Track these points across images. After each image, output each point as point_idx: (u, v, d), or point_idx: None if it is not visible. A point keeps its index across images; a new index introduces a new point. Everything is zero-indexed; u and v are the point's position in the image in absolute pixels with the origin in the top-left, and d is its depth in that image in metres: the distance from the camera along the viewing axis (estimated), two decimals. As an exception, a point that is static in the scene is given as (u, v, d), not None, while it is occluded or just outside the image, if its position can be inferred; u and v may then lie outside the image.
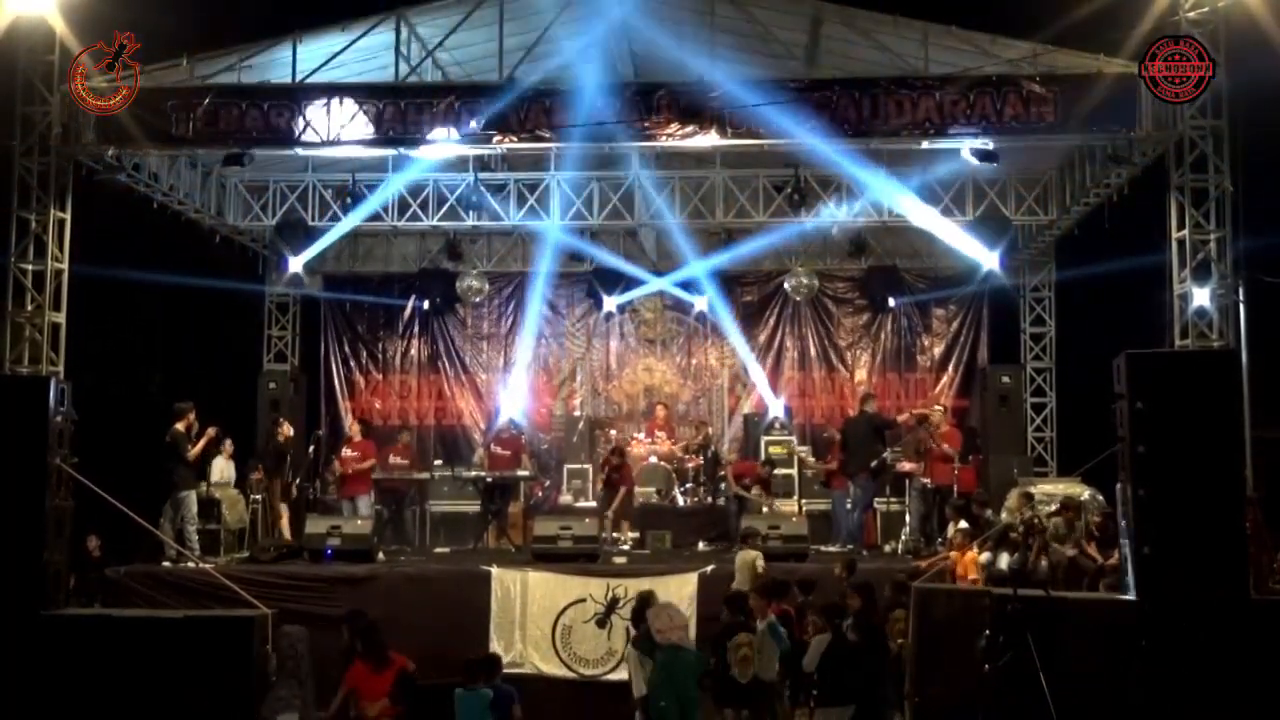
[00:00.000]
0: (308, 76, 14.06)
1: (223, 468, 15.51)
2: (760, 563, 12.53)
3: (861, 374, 19.38)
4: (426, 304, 19.01)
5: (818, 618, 10.69)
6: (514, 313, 19.65)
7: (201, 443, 13.93)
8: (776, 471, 17.00)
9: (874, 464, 15.38)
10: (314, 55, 14.20)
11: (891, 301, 18.88)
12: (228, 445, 15.86)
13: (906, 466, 15.54)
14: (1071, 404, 18.47)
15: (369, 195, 16.53)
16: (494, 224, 17.69)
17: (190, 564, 13.26)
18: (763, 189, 17.01)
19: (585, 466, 17.92)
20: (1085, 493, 14.48)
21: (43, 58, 13.80)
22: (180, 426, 13.95)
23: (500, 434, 16.80)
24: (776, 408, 18.45)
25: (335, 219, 17.21)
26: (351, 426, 16.27)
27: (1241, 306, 13.38)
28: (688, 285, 18.73)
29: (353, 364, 19.61)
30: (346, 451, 15.70)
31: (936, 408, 16.46)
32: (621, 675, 11.72)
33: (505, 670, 12.58)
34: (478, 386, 19.56)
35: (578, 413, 19.25)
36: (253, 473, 15.91)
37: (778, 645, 10.59)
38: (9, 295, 13.96)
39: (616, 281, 18.97)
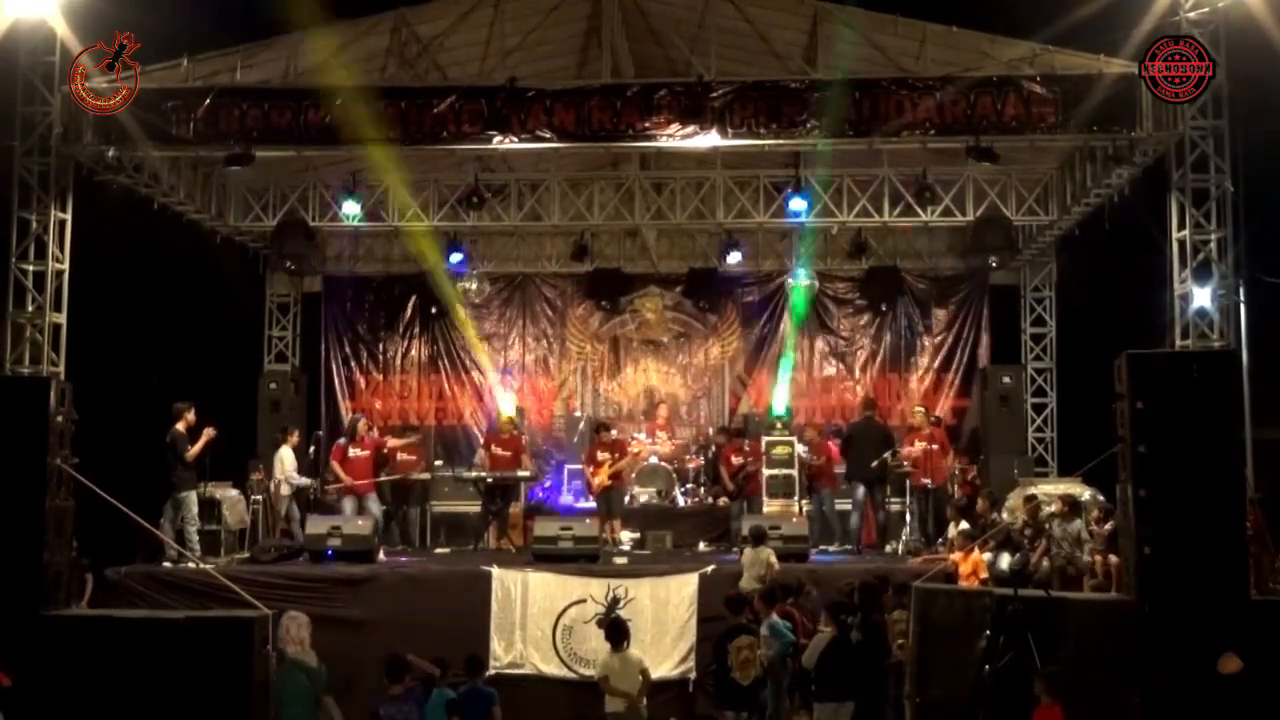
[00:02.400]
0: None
1: (285, 458, 15.53)
2: (774, 560, 12.54)
3: (862, 374, 19.37)
4: (436, 310, 18.97)
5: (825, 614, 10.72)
6: (514, 313, 19.65)
7: (200, 443, 13.92)
8: (776, 471, 16.99)
9: (874, 464, 15.40)
10: (312, 55, 14.20)
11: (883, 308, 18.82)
12: (294, 436, 15.87)
13: (908, 459, 15.57)
14: (1071, 404, 18.47)
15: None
16: (494, 224, 17.70)
17: (190, 564, 13.27)
18: (763, 189, 17.01)
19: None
20: (1085, 493, 14.49)
21: (43, 58, 13.78)
22: (180, 427, 13.95)
23: (500, 434, 16.77)
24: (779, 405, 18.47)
25: (335, 220, 17.21)
26: (362, 425, 16.19)
27: (1241, 306, 13.38)
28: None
29: (353, 364, 19.60)
30: (355, 451, 15.61)
31: (918, 409, 16.49)
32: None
33: (505, 671, 12.65)
34: (477, 387, 19.55)
35: (578, 413, 19.25)
36: (253, 472, 15.91)
37: (777, 640, 10.61)
38: (9, 295, 13.96)
39: (617, 281, 18.96)
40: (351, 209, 16.32)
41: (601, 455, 15.58)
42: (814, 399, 19.32)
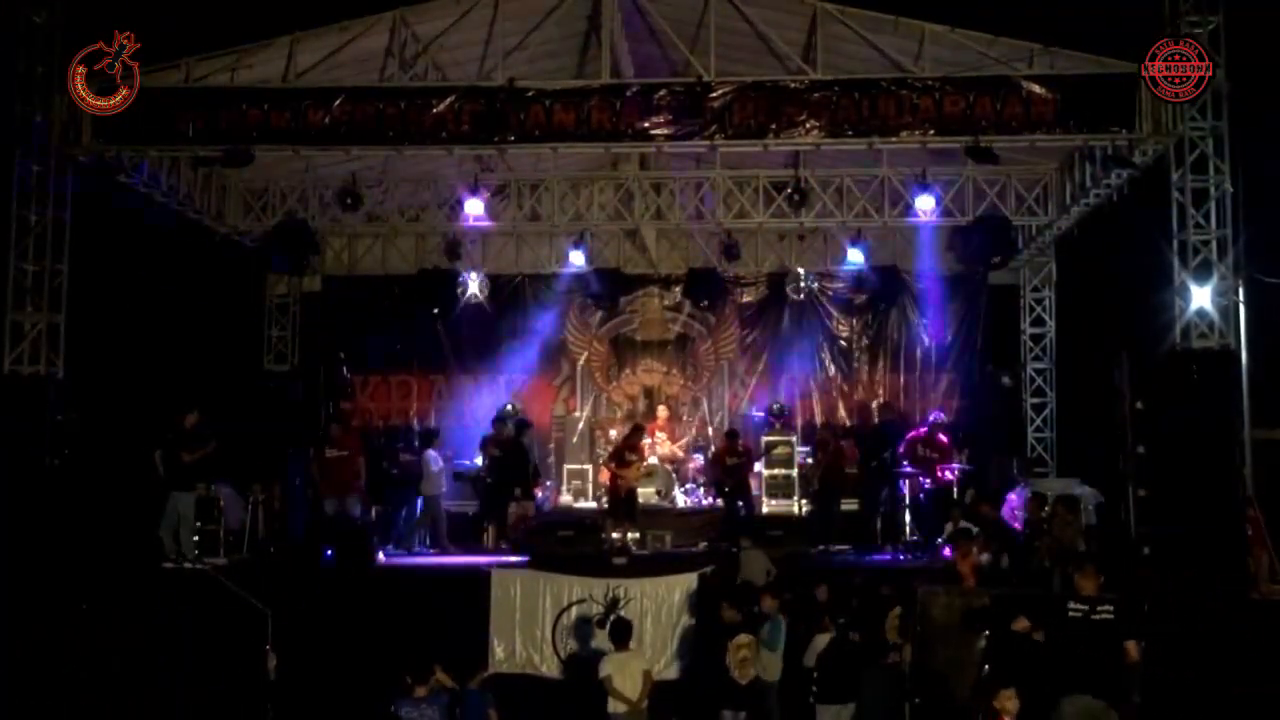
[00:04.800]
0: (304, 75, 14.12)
1: (429, 462, 15.63)
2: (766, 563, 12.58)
3: (861, 374, 19.38)
4: (436, 310, 18.92)
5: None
6: (513, 313, 19.63)
7: (200, 453, 13.91)
8: (777, 471, 17.02)
9: (873, 464, 15.44)
10: (312, 55, 14.22)
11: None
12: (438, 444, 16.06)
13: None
14: (1071, 404, 18.48)
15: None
16: (494, 224, 17.70)
17: (189, 564, 13.29)
18: (763, 189, 17.01)
19: (585, 467, 17.94)
20: (1085, 492, 14.53)
21: (43, 58, 13.79)
22: (186, 426, 13.95)
23: (498, 435, 16.78)
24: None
25: (335, 220, 17.19)
26: (335, 429, 16.13)
27: (1241, 306, 13.38)
28: None
29: (352, 364, 19.55)
30: (333, 452, 15.50)
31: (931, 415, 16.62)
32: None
33: (505, 671, 12.65)
34: (477, 387, 19.51)
35: (577, 413, 19.24)
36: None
37: (769, 647, 10.61)
38: (9, 295, 13.96)
39: (616, 282, 18.95)
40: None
41: (630, 457, 15.62)
42: (814, 399, 19.33)
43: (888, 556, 15.03)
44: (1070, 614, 9.12)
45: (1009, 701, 8.31)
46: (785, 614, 10.97)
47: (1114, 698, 8.88)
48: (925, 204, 15.79)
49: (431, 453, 16.19)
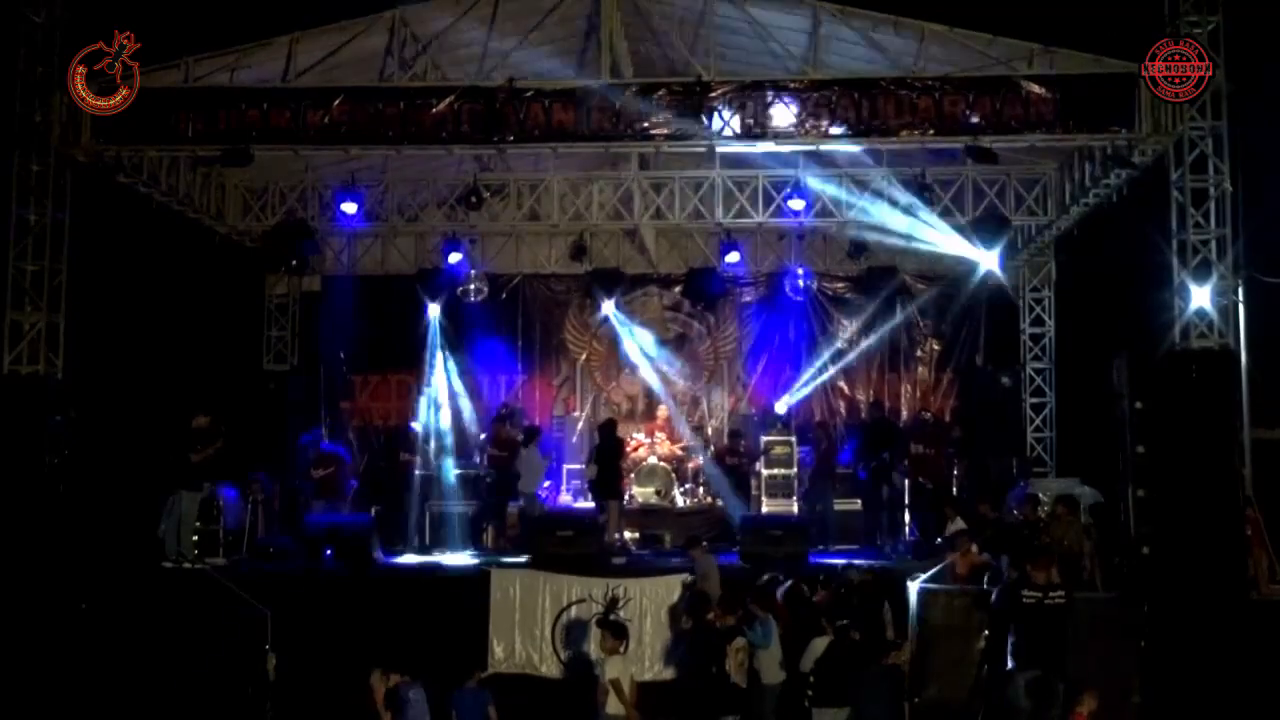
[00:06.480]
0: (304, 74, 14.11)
1: (533, 459, 15.76)
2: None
3: (860, 374, 19.37)
4: (435, 308, 18.89)
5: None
6: (513, 313, 19.62)
7: (209, 450, 13.92)
8: (777, 471, 17.00)
9: (873, 464, 15.44)
10: (311, 55, 14.22)
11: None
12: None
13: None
14: (1071, 404, 18.47)
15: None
16: (494, 224, 17.69)
17: (189, 564, 13.30)
18: (761, 189, 17.00)
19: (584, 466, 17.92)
20: (1085, 492, 14.53)
21: (43, 58, 13.78)
22: (194, 426, 13.98)
23: (498, 435, 16.78)
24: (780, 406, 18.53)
25: (334, 220, 17.18)
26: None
27: (1241, 306, 13.38)
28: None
29: (351, 364, 19.54)
30: (319, 472, 15.64)
31: (926, 414, 16.59)
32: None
33: (504, 671, 12.67)
34: (478, 387, 19.50)
35: (577, 413, 19.23)
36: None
37: (760, 645, 10.58)
38: (9, 295, 13.96)
39: (616, 281, 18.93)
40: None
41: None
42: (813, 398, 19.32)
43: (888, 556, 15.03)
44: (1024, 600, 9.92)
45: (1092, 701, 8.56)
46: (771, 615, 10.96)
47: (1061, 672, 9.56)
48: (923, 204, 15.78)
49: (534, 449, 16.24)
